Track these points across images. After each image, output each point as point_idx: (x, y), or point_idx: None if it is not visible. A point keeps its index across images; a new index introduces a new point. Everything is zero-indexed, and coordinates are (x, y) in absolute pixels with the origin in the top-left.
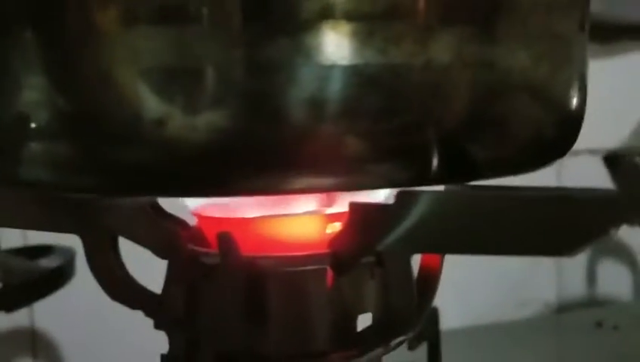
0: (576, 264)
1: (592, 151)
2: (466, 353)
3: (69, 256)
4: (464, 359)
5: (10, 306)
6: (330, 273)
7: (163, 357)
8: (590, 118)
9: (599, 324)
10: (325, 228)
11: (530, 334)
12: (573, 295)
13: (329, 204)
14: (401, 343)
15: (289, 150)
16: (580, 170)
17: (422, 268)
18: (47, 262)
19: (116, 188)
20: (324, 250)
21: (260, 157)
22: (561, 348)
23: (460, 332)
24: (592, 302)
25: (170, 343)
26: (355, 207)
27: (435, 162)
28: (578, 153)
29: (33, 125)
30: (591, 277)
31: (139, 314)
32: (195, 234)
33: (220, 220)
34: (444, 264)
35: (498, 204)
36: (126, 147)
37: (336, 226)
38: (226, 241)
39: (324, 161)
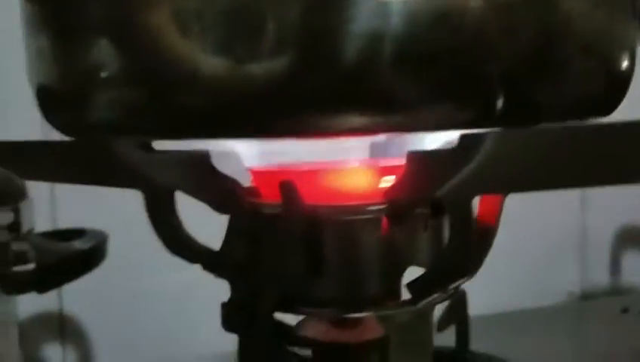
0: (600, 252)
1: None
2: (491, 338)
3: (100, 238)
4: (489, 344)
5: (42, 287)
6: (385, 222)
7: (224, 305)
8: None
9: (625, 310)
10: (379, 180)
11: (555, 320)
12: (597, 283)
13: (384, 155)
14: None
15: (348, 89)
16: None
17: (480, 213)
18: (79, 244)
19: (179, 131)
20: (380, 201)
21: (319, 97)
22: (586, 333)
23: (485, 318)
24: (616, 291)
25: (232, 290)
26: (413, 156)
27: (498, 103)
28: None
29: (103, 75)
30: (615, 265)
31: (166, 299)
32: (252, 191)
33: (276, 173)
34: None
35: (565, 136)
36: (188, 91)
37: (390, 179)
38: (288, 189)
39: (384, 101)
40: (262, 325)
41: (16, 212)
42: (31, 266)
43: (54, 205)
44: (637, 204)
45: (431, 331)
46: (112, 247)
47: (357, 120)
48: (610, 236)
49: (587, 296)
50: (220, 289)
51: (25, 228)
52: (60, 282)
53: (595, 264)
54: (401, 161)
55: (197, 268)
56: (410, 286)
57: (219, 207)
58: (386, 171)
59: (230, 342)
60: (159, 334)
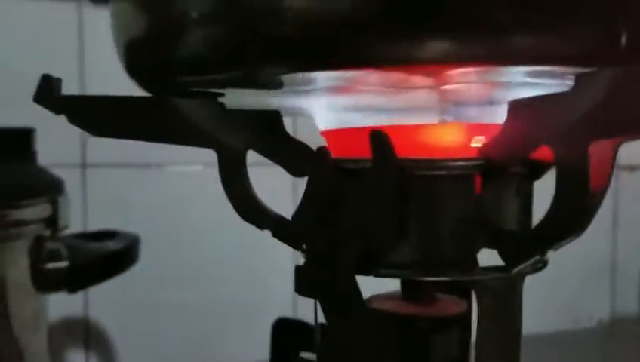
0: (629, 281)
1: None
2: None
3: (133, 240)
4: None
5: (74, 286)
6: (478, 181)
7: (298, 268)
8: None
9: None
10: (471, 138)
11: (585, 345)
12: (626, 311)
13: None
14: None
15: (439, 9)
16: (636, 187)
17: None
18: (112, 245)
19: (271, 60)
20: (474, 158)
21: (409, 23)
22: (614, 359)
23: None
24: None
25: (308, 253)
26: (517, 104)
27: (623, 37)
28: (635, 169)
29: (190, 15)
30: None
31: (189, 310)
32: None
33: (361, 130)
34: None
35: None
36: (275, 22)
37: (481, 139)
38: (380, 140)
39: (480, 24)
40: (344, 284)
41: (54, 205)
42: (64, 264)
43: (85, 215)
44: None
45: (521, 305)
46: (141, 257)
47: (453, 48)
48: None
49: (616, 323)
50: (241, 305)
51: (61, 224)
52: (91, 282)
53: (624, 292)
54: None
55: (220, 283)
56: (505, 250)
57: (295, 167)
58: (477, 130)
59: (250, 353)
60: (182, 344)
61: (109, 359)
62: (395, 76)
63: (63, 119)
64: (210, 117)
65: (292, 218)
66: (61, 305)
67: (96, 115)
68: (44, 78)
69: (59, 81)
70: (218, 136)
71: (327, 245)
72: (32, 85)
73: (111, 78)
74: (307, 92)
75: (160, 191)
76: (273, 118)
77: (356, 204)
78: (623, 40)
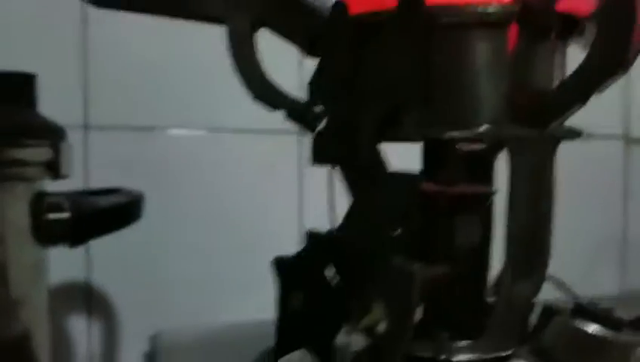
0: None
1: None
2: None
3: (136, 196)
4: None
5: (75, 239)
6: (512, 32)
7: (317, 135)
8: None
9: None
10: None
11: None
12: (637, 285)
13: None
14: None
15: None
16: None
17: None
18: (115, 199)
19: None
20: (509, 3)
21: None
22: None
23: None
24: None
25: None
26: None
27: None
28: None
29: None
30: None
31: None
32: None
33: None
34: None
35: None
36: None
37: None
38: None
39: None
40: (366, 151)
41: (55, 150)
42: (65, 215)
43: (87, 177)
44: None
45: (554, 178)
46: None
47: None
48: None
49: (625, 296)
50: (246, 270)
51: (62, 171)
52: (93, 234)
53: (634, 265)
54: None
55: (223, 249)
56: (539, 104)
57: (308, 35)
58: None
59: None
60: (186, 306)
61: (111, 324)
62: None
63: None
64: None
65: (309, 86)
66: (63, 268)
67: None
68: None
69: None
70: (228, 5)
71: (349, 109)
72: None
73: None
74: None
75: (163, 155)
76: None
77: (379, 61)
78: None
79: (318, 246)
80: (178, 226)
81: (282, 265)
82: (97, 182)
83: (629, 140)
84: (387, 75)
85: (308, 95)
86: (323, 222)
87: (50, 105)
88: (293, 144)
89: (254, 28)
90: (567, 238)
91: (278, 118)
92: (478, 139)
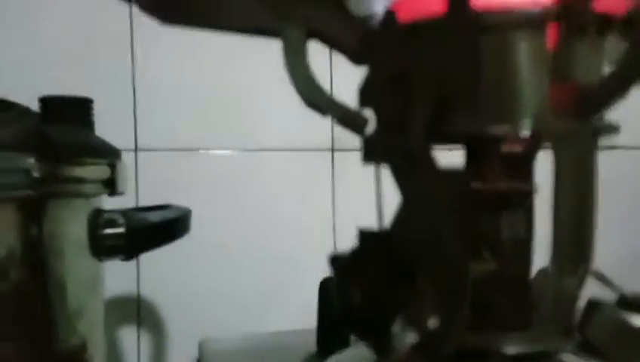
0: None
1: None
2: None
3: (185, 211)
4: None
5: (130, 252)
6: (553, 30)
7: (367, 139)
8: None
9: None
10: None
11: None
12: None
13: None
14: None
15: None
16: None
17: None
18: (165, 214)
19: None
20: (549, 5)
21: None
22: None
23: None
24: None
25: (378, 121)
26: None
27: None
28: None
29: None
30: None
31: (238, 282)
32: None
33: None
34: None
35: None
36: None
37: None
38: None
39: None
40: (416, 146)
41: (112, 169)
42: (121, 230)
43: (137, 196)
44: None
45: (596, 174)
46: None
47: None
48: None
49: None
50: (280, 285)
51: (118, 188)
52: (146, 248)
53: None
54: None
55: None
56: (580, 100)
57: (356, 47)
58: None
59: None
60: (229, 316)
61: (160, 335)
62: None
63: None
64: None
65: (359, 89)
66: (115, 281)
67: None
68: None
69: None
70: (278, 16)
71: (398, 105)
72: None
73: None
74: None
75: (206, 174)
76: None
77: (427, 60)
78: None
79: (370, 244)
80: (221, 241)
81: (337, 262)
82: (147, 200)
83: None
84: (436, 73)
85: (358, 101)
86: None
87: (104, 128)
88: (327, 161)
89: (305, 38)
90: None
91: (310, 137)
92: (521, 134)
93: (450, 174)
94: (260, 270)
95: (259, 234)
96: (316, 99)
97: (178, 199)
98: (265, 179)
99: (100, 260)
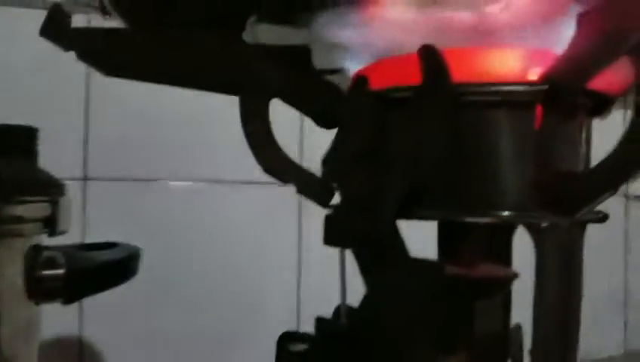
0: None
1: None
2: None
3: (134, 252)
4: None
5: (70, 295)
6: (538, 114)
7: (329, 217)
8: None
9: None
10: (531, 65)
11: None
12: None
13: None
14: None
15: None
16: None
17: None
18: (111, 254)
19: None
20: (536, 83)
21: None
22: None
23: None
24: None
25: (343, 197)
26: (587, 17)
27: None
28: None
29: None
30: None
31: (187, 327)
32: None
33: (407, 57)
34: None
35: None
36: None
37: (538, 70)
38: (431, 56)
39: None
40: (386, 230)
41: (54, 206)
42: (61, 272)
43: (84, 230)
44: None
45: (581, 264)
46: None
47: None
48: None
49: (629, 358)
50: (242, 326)
51: (60, 227)
52: (88, 292)
53: (637, 326)
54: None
55: (220, 304)
56: (566, 189)
57: (325, 110)
58: (537, 56)
59: None
60: (181, 359)
61: None
62: None
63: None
64: (231, 53)
65: (324, 161)
66: (55, 323)
67: (109, 51)
68: (53, 8)
69: (69, 15)
70: (240, 76)
71: (367, 185)
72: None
73: None
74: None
75: (162, 208)
76: (302, 55)
77: (401, 136)
78: None
79: (329, 340)
80: (176, 278)
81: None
82: (96, 233)
83: (628, 197)
84: (410, 152)
85: (322, 170)
86: (321, 272)
87: (50, 155)
88: (293, 195)
89: (267, 99)
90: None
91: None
92: (501, 225)
93: (424, 264)
94: (218, 311)
95: (217, 272)
96: (276, 166)
97: (130, 233)
98: (226, 213)
99: (37, 304)
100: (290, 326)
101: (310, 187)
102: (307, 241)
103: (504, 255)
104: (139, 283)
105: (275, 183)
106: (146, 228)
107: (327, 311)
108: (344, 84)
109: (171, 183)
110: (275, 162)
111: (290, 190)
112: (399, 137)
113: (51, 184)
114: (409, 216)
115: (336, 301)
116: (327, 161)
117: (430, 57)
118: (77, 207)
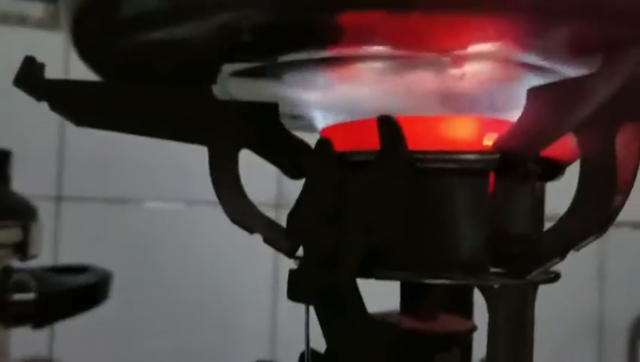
0: (616, 340)
1: (634, 225)
2: None
3: (105, 276)
4: None
5: (40, 320)
6: (491, 179)
7: (292, 273)
8: (635, 191)
9: None
10: (486, 133)
11: None
12: None
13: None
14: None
15: None
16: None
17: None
18: (82, 279)
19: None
20: (489, 152)
21: None
22: None
23: None
24: None
25: (305, 255)
26: (537, 92)
27: None
28: (620, 225)
29: None
30: (632, 353)
31: (160, 350)
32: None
33: (366, 122)
34: None
35: None
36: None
37: (493, 136)
38: (389, 125)
39: None
40: (345, 287)
41: (25, 231)
42: (31, 296)
43: (57, 250)
44: None
45: (533, 321)
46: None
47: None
48: (627, 322)
49: None
50: (217, 350)
51: (31, 251)
52: (58, 316)
53: (611, 350)
54: (507, 117)
55: (195, 327)
56: (520, 253)
57: (292, 165)
58: (492, 124)
59: None
60: None
61: None
62: (401, 41)
63: (39, 148)
64: (201, 107)
65: (288, 218)
66: (26, 347)
67: (81, 103)
68: (27, 60)
69: (42, 65)
70: (210, 129)
71: (328, 244)
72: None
73: None
74: (302, 80)
75: (137, 228)
76: (270, 110)
77: (361, 199)
78: None
79: None
80: (150, 301)
81: None
82: (69, 253)
83: None
84: (368, 215)
85: (287, 225)
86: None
87: (25, 174)
88: (271, 216)
89: (237, 150)
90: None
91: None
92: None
93: (381, 322)
94: (194, 333)
95: (193, 294)
96: (243, 217)
97: (104, 253)
98: (201, 234)
99: (7, 328)
100: (265, 346)
101: (276, 239)
102: (283, 263)
103: (465, 308)
104: (112, 306)
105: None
106: (121, 248)
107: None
108: (313, 139)
109: (147, 204)
110: (242, 213)
111: (268, 212)
112: (359, 199)
113: (23, 208)
114: (368, 275)
115: (312, 322)
116: (291, 216)
117: (387, 126)
118: (50, 226)
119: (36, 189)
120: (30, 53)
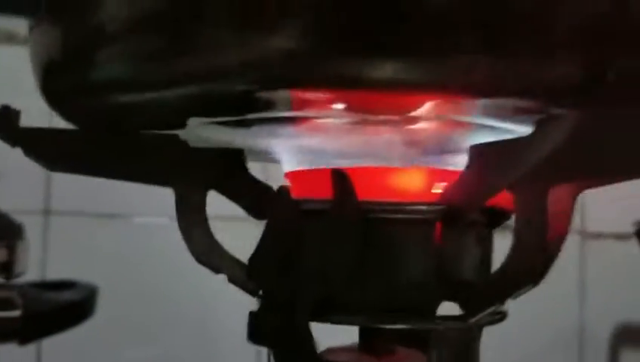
0: (597, 349)
1: (617, 236)
2: None
3: (91, 292)
4: None
5: (26, 337)
6: (438, 228)
7: (252, 314)
8: (616, 202)
9: None
10: (433, 183)
11: None
12: None
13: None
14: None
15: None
16: (602, 254)
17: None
18: (68, 296)
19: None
20: (435, 203)
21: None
22: None
23: None
24: None
25: (264, 298)
26: (477, 149)
27: (608, 74)
28: (601, 237)
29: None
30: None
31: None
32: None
33: (322, 171)
34: None
35: None
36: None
37: (442, 185)
38: (342, 180)
39: (432, 47)
40: (300, 332)
41: (11, 251)
42: (17, 313)
43: (45, 264)
44: (635, 301)
45: (478, 360)
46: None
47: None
48: (608, 333)
49: None
50: None
51: (16, 270)
52: (44, 333)
53: (592, 360)
54: (455, 168)
55: (183, 340)
56: (463, 299)
57: (257, 209)
58: (439, 175)
59: None
60: None
61: None
62: (356, 106)
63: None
64: (169, 154)
65: (249, 261)
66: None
67: (54, 149)
68: (3, 108)
69: (18, 112)
70: (177, 174)
71: (284, 289)
72: None
73: None
74: (269, 130)
75: (125, 243)
76: (236, 156)
77: (315, 246)
78: (610, 77)
79: None
80: (138, 316)
81: None
82: (57, 267)
83: (584, 235)
84: (323, 261)
85: (247, 269)
86: None
87: (12, 189)
88: (255, 230)
89: (205, 192)
90: (522, 333)
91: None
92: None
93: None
94: (182, 348)
95: (181, 309)
96: (209, 258)
97: (92, 270)
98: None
99: None
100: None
101: (240, 279)
102: None
103: (422, 343)
104: (100, 321)
105: (238, 218)
106: (110, 263)
107: None
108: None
109: (136, 219)
110: (209, 254)
111: (253, 225)
112: (314, 246)
113: (8, 228)
114: (324, 320)
115: None
116: (251, 260)
117: (339, 179)
118: (38, 240)
119: (24, 203)
120: (17, 70)
